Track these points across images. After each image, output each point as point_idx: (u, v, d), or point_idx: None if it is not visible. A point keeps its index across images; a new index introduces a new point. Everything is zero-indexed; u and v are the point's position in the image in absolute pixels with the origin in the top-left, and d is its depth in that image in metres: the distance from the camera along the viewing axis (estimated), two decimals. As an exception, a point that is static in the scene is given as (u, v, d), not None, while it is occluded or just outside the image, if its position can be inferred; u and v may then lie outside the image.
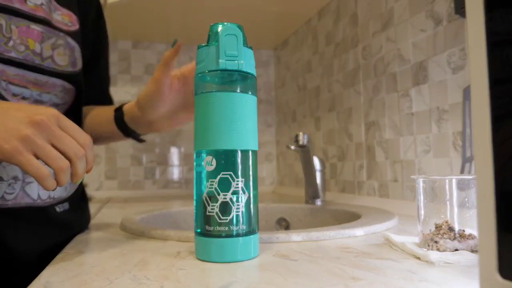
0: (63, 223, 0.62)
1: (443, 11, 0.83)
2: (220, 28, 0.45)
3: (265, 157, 1.82)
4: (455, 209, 0.47)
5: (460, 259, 0.42)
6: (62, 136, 0.44)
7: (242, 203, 0.45)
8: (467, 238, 0.46)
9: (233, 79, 0.47)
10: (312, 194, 1.03)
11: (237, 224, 0.45)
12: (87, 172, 0.47)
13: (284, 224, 0.99)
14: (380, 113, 1.04)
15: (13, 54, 0.55)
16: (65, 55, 0.62)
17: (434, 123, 0.85)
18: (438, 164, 0.84)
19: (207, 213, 0.45)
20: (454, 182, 0.47)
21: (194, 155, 0.48)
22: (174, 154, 1.74)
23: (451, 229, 0.47)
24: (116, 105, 0.71)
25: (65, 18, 0.63)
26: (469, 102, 0.75)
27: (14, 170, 0.55)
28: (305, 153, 1.01)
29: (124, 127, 0.67)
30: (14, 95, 0.55)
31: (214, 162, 0.45)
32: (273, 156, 1.83)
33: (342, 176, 1.23)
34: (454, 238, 0.46)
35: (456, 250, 0.45)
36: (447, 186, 0.47)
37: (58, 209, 0.61)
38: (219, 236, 0.44)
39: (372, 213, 0.77)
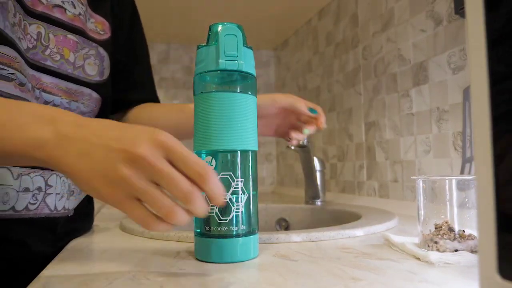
0: (68, 229, 0.62)
1: (443, 11, 0.83)
2: (220, 28, 0.45)
3: (265, 157, 1.82)
4: (455, 210, 0.47)
5: (460, 259, 0.42)
6: (168, 176, 0.35)
7: (241, 204, 0.45)
8: (467, 239, 0.46)
9: (233, 79, 0.47)
10: (312, 194, 1.03)
11: (236, 225, 0.44)
12: (218, 205, 0.40)
13: (284, 225, 0.99)
14: (380, 114, 1.04)
15: (48, 63, 0.55)
16: (95, 65, 0.62)
17: (434, 124, 0.85)
18: (438, 165, 0.84)
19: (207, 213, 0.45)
20: (454, 182, 0.47)
21: (194, 155, 0.48)
22: (174, 154, 1.74)
23: (451, 229, 0.47)
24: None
25: (98, 26, 0.64)
26: (469, 103, 0.75)
27: (39, 181, 0.55)
28: (305, 153, 1.01)
29: None
30: (46, 102, 0.55)
31: (213, 162, 0.45)
32: (273, 156, 1.83)
33: (342, 177, 1.23)
34: (454, 239, 0.46)
35: (456, 250, 0.45)
36: (447, 187, 0.47)
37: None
38: (219, 237, 0.44)
39: (372, 213, 0.77)
